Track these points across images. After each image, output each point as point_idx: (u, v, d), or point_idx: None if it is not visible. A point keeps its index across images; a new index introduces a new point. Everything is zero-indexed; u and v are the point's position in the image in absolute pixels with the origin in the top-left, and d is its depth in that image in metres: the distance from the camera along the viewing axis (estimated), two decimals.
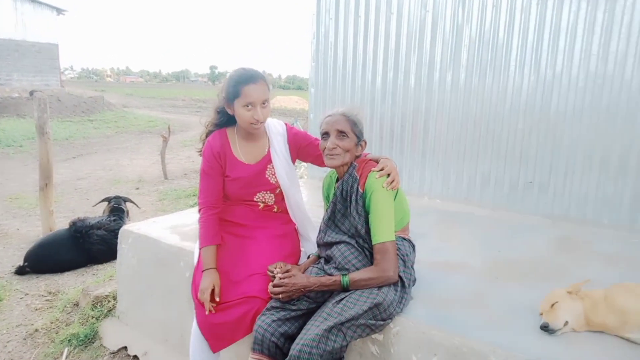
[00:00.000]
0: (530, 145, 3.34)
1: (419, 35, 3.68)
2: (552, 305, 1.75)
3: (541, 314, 1.78)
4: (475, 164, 3.57)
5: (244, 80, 2.05)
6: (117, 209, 4.83)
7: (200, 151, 2.26)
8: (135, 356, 2.71)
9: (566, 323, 1.69)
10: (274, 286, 1.89)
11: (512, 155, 3.41)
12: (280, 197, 2.30)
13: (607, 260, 2.52)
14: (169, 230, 2.86)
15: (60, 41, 23.79)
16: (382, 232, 1.86)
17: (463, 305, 1.94)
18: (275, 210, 2.31)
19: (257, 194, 2.25)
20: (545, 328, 1.69)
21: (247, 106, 2.05)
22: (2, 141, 11.31)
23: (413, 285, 2.00)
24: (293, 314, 1.86)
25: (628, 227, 3.08)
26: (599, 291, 1.76)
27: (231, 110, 2.12)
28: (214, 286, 2.01)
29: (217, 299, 2.00)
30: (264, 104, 2.08)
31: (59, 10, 23.39)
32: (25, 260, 4.04)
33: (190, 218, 3.08)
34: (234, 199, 2.26)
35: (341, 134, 1.92)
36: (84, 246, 4.20)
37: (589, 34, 3.05)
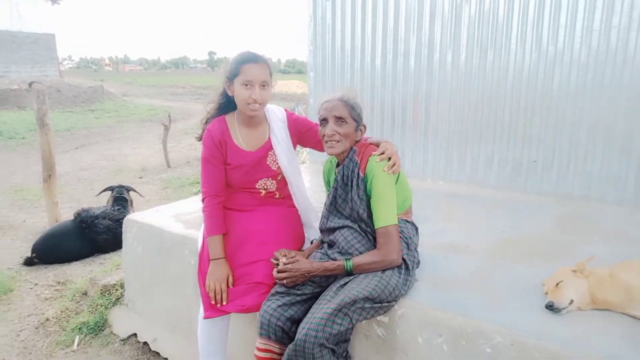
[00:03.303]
0: (533, 124, 3.31)
1: (418, 16, 3.63)
2: (557, 284, 1.75)
3: (546, 293, 1.79)
4: (478, 144, 3.55)
5: (245, 59, 2.06)
6: (121, 198, 4.85)
7: (200, 137, 2.25)
8: (145, 342, 2.75)
9: (571, 301, 1.70)
10: (279, 272, 1.90)
11: (515, 134, 3.39)
12: (282, 184, 2.30)
13: (612, 238, 2.52)
14: (172, 219, 2.87)
15: (56, 31, 23.64)
16: (385, 216, 1.86)
17: (468, 287, 1.95)
18: (277, 196, 2.31)
19: (259, 181, 2.25)
20: (550, 307, 1.70)
21: (246, 85, 2.03)
22: (4, 133, 11.31)
23: (417, 267, 2.01)
24: (298, 298, 1.88)
25: (632, 204, 3.07)
26: (604, 269, 1.77)
27: (231, 91, 2.11)
28: (227, 276, 2.04)
29: (232, 287, 2.03)
30: (263, 85, 2.06)
31: (54, 0, 23.16)
32: (33, 251, 4.08)
33: (193, 206, 3.09)
34: (236, 187, 2.26)
35: (339, 120, 1.90)
36: (90, 236, 4.24)
37: (590, 9, 3.00)
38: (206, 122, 2.27)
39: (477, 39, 3.41)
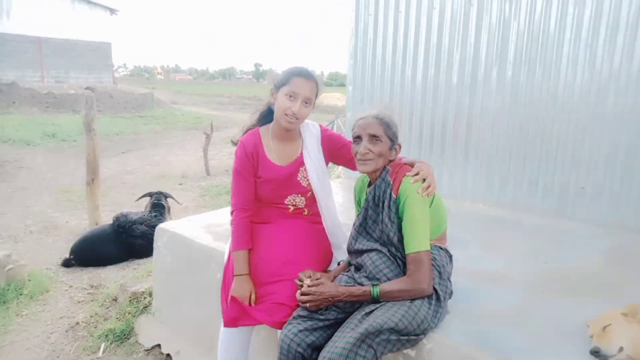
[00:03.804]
0: (583, 148, 3.10)
1: (463, 30, 3.50)
2: (605, 327, 1.59)
3: (591, 337, 1.62)
4: (522, 166, 3.36)
5: (297, 72, 2.05)
6: (158, 205, 4.93)
7: (236, 142, 2.23)
8: (168, 354, 2.73)
9: (621, 349, 1.52)
10: (302, 294, 1.82)
11: (563, 158, 3.18)
12: (311, 201, 2.23)
13: None
14: (203, 230, 2.86)
15: (113, 40, 24.82)
16: (416, 241, 1.75)
17: (504, 323, 1.81)
18: (306, 213, 2.25)
19: (288, 197, 2.20)
20: (596, 353, 1.53)
21: (290, 96, 2.01)
22: (58, 136, 11.90)
23: (449, 298, 1.88)
24: (321, 324, 1.79)
25: None
26: None
27: (274, 99, 2.09)
28: (250, 293, 1.98)
29: (254, 305, 1.97)
30: (306, 102, 2.04)
31: (112, 10, 24.41)
32: (71, 253, 4.20)
33: (224, 217, 3.05)
34: (265, 202, 2.22)
35: (374, 138, 1.82)
36: (127, 241, 4.32)
37: None
38: (247, 130, 2.25)
39: (525, 55, 3.25)
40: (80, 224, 5.33)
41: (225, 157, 10.38)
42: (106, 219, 5.07)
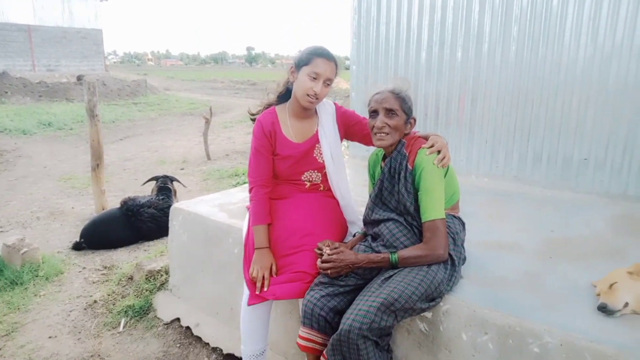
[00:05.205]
0: (586, 120, 3.17)
1: (467, 7, 3.53)
2: (611, 285, 1.68)
3: (598, 295, 1.72)
4: (527, 140, 3.43)
5: (320, 52, 2.08)
6: (165, 188, 4.97)
7: (254, 117, 2.28)
8: (187, 327, 2.82)
9: (626, 304, 1.62)
10: (323, 262, 1.90)
11: (567, 130, 3.25)
12: (327, 176, 2.30)
13: None
14: (216, 208, 2.92)
15: (104, 27, 24.48)
16: (433, 210, 1.83)
17: (515, 285, 1.90)
18: (322, 188, 2.32)
19: (305, 173, 2.26)
20: (603, 309, 1.63)
21: (312, 77, 2.05)
22: (54, 124, 11.84)
23: (463, 264, 1.97)
24: (341, 289, 1.87)
25: None
26: None
27: (293, 77, 2.14)
28: (271, 265, 2.06)
29: (275, 276, 2.04)
30: (327, 83, 2.09)
31: None
32: (82, 236, 4.26)
33: (235, 197, 3.14)
34: (282, 178, 2.28)
35: (390, 112, 1.88)
36: (135, 224, 4.37)
37: None
38: (264, 108, 2.30)
39: (528, 31, 3.29)
40: (86, 209, 5.38)
41: (224, 142, 10.39)
42: (111, 204, 5.12)
